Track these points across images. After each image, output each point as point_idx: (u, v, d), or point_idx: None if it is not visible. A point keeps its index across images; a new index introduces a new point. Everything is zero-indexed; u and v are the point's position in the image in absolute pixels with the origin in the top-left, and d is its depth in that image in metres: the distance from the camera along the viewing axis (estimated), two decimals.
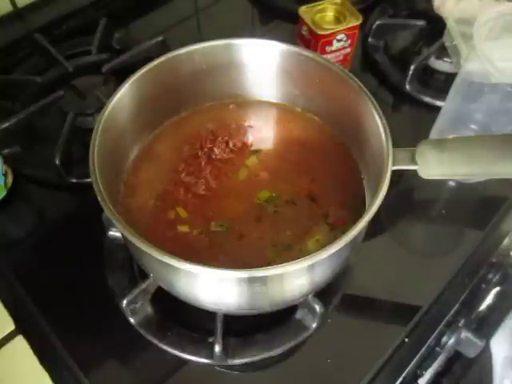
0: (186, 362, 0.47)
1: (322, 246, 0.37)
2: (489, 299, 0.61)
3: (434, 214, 0.60)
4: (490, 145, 0.42)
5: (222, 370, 0.47)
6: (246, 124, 0.55)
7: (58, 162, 0.57)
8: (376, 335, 0.49)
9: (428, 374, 0.53)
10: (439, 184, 0.61)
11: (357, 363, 0.47)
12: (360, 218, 0.38)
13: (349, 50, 0.70)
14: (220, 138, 0.53)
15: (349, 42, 0.68)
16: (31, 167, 0.61)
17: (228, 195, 0.49)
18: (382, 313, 0.51)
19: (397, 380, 0.47)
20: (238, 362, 0.46)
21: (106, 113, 0.44)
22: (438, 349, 0.54)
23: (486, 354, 0.62)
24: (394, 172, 0.40)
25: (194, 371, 0.47)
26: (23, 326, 0.49)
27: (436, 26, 0.70)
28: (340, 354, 0.48)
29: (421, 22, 0.76)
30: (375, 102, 0.45)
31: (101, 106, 0.45)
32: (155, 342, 0.47)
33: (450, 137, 0.45)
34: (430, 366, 0.53)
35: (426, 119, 0.63)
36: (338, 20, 0.68)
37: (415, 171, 0.43)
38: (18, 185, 0.59)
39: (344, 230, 0.38)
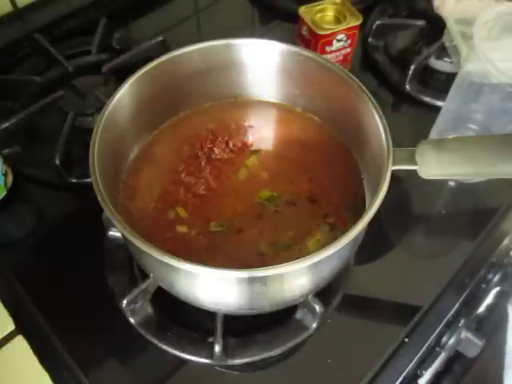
0: (185, 362, 0.47)
1: (322, 245, 0.37)
2: (489, 299, 0.61)
3: (434, 214, 0.60)
4: (490, 145, 0.42)
5: (222, 369, 0.47)
6: (246, 124, 0.55)
7: (58, 162, 0.57)
8: (376, 335, 0.49)
9: (428, 374, 0.53)
10: (439, 184, 0.61)
11: (357, 363, 0.47)
12: (360, 218, 0.38)
13: (349, 49, 0.70)
14: (220, 138, 0.53)
15: (349, 42, 0.68)
16: (31, 167, 0.61)
17: (228, 195, 0.49)
18: (382, 313, 0.51)
19: (397, 380, 0.47)
20: (238, 361, 0.46)
21: (106, 113, 0.44)
22: (437, 349, 0.54)
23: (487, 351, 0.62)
24: (393, 172, 0.40)
25: (194, 371, 0.47)
26: (23, 326, 0.49)
27: (436, 26, 0.70)
28: (340, 354, 0.48)
29: (421, 22, 0.76)
30: (375, 102, 0.45)
31: (101, 106, 0.45)
32: (155, 341, 0.47)
33: (450, 137, 0.45)
34: (430, 366, 0.53)
35: (426, 119, 0.63)
36: (337, 20, 0.68)
37: (415, 171, 0.43)
38: (18, 185, 0.59)
39: (344, 230, 0.38)
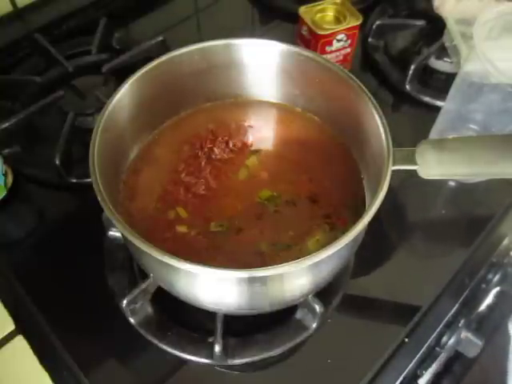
0: (185, 362, 0.47)
1: (322, 246, 0.37)
2: (489, 299, 0.61)
3: (434, 214, 0.60)
4: (490, 145, 0.42)
5: (222, 369, 0.47)
6: (246, 124, 0.55)
7: (57, 162, 0.57)
8: (376, 335, 0.49)
9: (428, 374, 0.53)
10: (439, 184, 0.61)
11: (357, 363, 0.47)
12: (360, 218, 0.38)
13: (349, 49, 0.70)
14: (220, 138, 0.53)
15: (349, 42, 0.68)
16: (31, 167, 0.61)
17: (228, 195, 0.49)
18: (382, 313, 0.51)
19: (397, 380, 0.47)
20: (238, 361, 0.46)
21: (106, 113, 0.44)
22: (437, 349, 0.54)
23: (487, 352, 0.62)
24: (393, 172, 0.40)
25: (194, 371, 0.47)
26: (23, 326, 0.49)
27: (436, 26, 0.70)
28: (340, 354, 0.48)
29: (421, 22, 0.76)
30: (375, 102, 0.45)
31: (101, 106, 0.45)
32: (155, 341, 0.47)
33: (450, 137, 0.45)
34: (429, 366, 0.53)
35: (426, 119, 0.63)
36: (337, 20, 0.68)
37: (415, 171, 0.43)
38: (18, 185, 0.59)
39: (344, 230, 0.38)
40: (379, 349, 0.48)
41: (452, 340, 0.53)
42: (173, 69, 0.50)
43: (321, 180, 0.50)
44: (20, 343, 0.48)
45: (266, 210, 0.48)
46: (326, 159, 0.52)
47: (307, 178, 0.50)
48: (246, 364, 0.46)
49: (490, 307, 0.61)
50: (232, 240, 0.46)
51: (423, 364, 0.52)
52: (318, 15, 0.68)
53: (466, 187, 0.61)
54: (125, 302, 0.45)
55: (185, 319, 0.49)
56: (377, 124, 0.43)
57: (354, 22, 0.67)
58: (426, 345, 0.49)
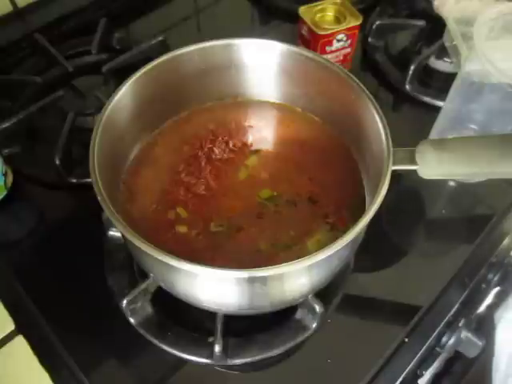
0: (185, 362, 0.47)
1: (322, 246, 0.37)
2: (489, 299, 0.61)
3: (434, 213, 0.60)
4: (490, 145, 0.42)
5: (222, 369, 0.47)
6: (246, 124, 0.55)
7: (57, 162, 0.57)
8: (376, 335, 0.49)
9: (428, 374, 0.53)
10: (439, 184, 0.61)
11: (357, 363, 0.47)
12: (360, 218, 0.38)
13: (349, 49, 0.70)
14: (220, 138, 0.53)
15: (349, 42, 0.68)
16: (31, 167, 0.61)
17: (228, 195, 0.49)
18: (382, 313, 0.51)
19: (397, 380, 0.47)
20: (238, 361, 0.46)
21: (106, 113, 0.44)
22: (438, 349, 0.54)
23: (487, 352, 0.62)
24: (393, 172, 0.40)
25: (194, 371, 0.47)
26: (23, 326, 0.49)
27: (436, 26, 0.70)
28: (340, 354, 0.48)
29: (421, 22, 0.76)
30: (375, 102, 0.45)
31: (101, 106, 0.45)
32: (155, 341, 0.46)
33: (450, 137, 0.45)
34: (430, 365, 0.53)
35: (426, 119, 0.63)
36: (338, 20, 0.68)
37: (415, 171, 0.43)
38: (18, 185, 0.59)
39: (344, 230, 0.38)
40: (379, 349, 0.48)
41: (452, 340, 0.53)
42: (173, 69, 0.50)
43: (321, 180, 0.50)
44: (20, 343, 0.48)
45: (266, 209, 0.48)
46: (326, 159, 0.52)
47: (307, 178, 0.50)
48: (246, 364, 0.46)
49: (490, 307, 0.61)
50: (232, 240, 0.46)
51: (423, 364, 0.52)
52: (318, 15, 0.68)
53: (466, 187, 0.61)
54: (125, 302, 0.45)
55: (185, 319, 0.49)
56: (377, 124, 0.43)
57: (354, 21, 0.67)
58: (426, 345, 0.49)
